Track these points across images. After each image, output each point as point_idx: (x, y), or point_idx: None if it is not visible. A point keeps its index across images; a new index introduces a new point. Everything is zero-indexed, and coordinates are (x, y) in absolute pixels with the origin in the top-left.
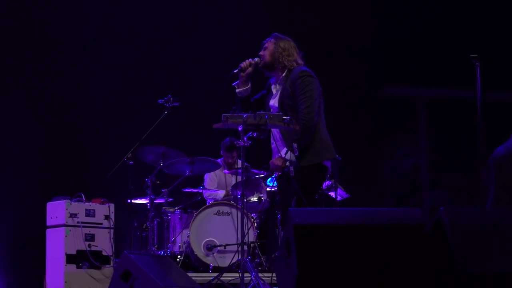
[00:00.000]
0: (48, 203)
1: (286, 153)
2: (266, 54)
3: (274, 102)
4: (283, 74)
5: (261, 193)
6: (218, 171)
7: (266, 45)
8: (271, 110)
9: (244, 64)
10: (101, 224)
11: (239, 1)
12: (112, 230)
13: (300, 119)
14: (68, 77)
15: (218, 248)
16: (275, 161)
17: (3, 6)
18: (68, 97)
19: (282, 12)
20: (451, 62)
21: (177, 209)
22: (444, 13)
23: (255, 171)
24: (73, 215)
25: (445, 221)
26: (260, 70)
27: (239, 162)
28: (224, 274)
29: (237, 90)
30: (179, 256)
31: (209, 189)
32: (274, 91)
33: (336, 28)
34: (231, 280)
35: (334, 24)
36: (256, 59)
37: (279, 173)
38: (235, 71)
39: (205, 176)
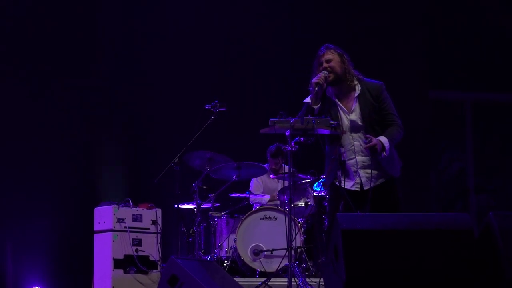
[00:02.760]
0: (95, 208)
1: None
2: (335, 66)
3: (355, 117)
4: (358, 88)
5: (308, 198)
6: (264, 176)
7: (329, 56)
8: (350, 124)
9: (321, 79)
10: (148, 229)
11: (286, 4)
12: (159, 235)
13: (400, 126)
14: (117, 82)
15: (265, 253)
16: (377, 142)
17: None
18: (116, 102)
19: (326, 14)
20: (498, 65)
21: (224, 214)
22: (492, 15)
23: (302, 176)
24: (120, 220)
25: (495, 226)
26: (325, 87)
27: (286, 167)
28: (271, 279)
29: (315, 107)
30: (225, 261)
31: (255, 194)
32: (343, 105)
33: (382, 32)
34: (278, 285)
35: (379, 28)
36: (325, 73)
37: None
38: (315, 89)
39: (251, 181)
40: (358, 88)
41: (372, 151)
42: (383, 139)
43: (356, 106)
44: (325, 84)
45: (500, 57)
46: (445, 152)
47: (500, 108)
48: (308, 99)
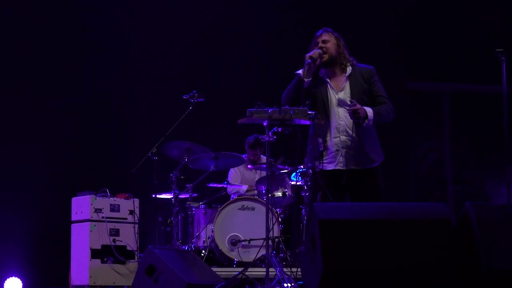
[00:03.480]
0: (73, 198)
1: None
2: (330, 47)
3: (344, 96)
4: (349, 69)
5: (286, 188)
6: (242, 167)
7: (326, 38)
8: (338, 102)
9: (315, 54)
10: (126, 219)
11: None
12: (136, 225)
13: (391, 108)
14: (94, 73)
15: (243, 243)
16: (361, 109)
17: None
18: (94, 92)
19: (306, 6)
20: (476, 56)
21: (202, 204)
22: (470, 7)
23: (280, 166)
24: (98, 210)
25: (472, 216)
26: (319, 63)
27: (263, 157)
28: (249, 269)
29: (306, 80)
30: (203, 251)
31: (232, 184)
32: (333, 84)
33: (360, 24)
34: (256, 275)
35: (356, 20)
36: (319, 51)
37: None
38: (307, 62)
39: (229, 171)
40: (349, 69)
41: (355, 116)
42: (368, 108)
43: (346, 85)
44: (318, 59)
45: (478, 49)
46: (423, 142)
47: (478, 99)
48: (299, 71)
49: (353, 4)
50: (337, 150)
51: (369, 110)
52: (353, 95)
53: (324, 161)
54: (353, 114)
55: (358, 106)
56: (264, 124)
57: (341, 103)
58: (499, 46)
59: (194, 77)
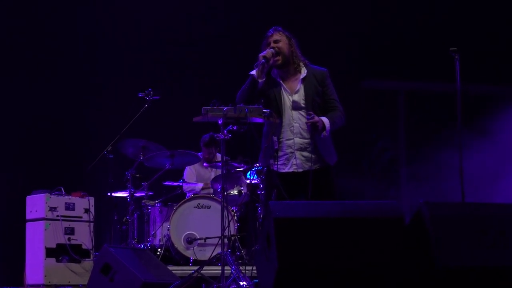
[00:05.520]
0: (27, 196)
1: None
2: (283, 46)
3: (298, 98)
4: (304, 71)
5: (241, 186)
6: (197, 165)
7: (277, 37)
8: (292, 105)
9: (268, 54)
10: (81, 217)
11: None
12: (92, 224)
13: (342, 112)
14: (47, 70)
15: (199, 241)
16: (319, 120)
17: None
18: (47, 89)
19: (257, 5)
20: (431, 55)
21: (157, 203)
22: (424, 5)
23: (235, 164)
24: (52, 209)
25: (425, 214)
26: (272, 63)
27: (218, 155)
28: (205, 268)
29: (260, 80)
30: (159, 250)
31: (188, 182)
32: (286, 86)
33: (314, 20)
34: (211, 273)
35: (312, 18)
36: (273, 51)
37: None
38: (260, 62)
39: (185, 169)
40: (304, 71)
41: (313, 128)
42: (325, 119)
43: (300, 87)
44: (272, 59)
45: (432, 46)
46: (378, 141)
47: (433, 98)
48: (253, 72)
49: (308, 2)
50: (291, 153)
51: (326, 121)
52: (307, 97)
53: (278, 162)
54: (312, 126)
55: (316, 118)
56: (219, 122)
57: (295, 105)
58: (452, 44)
59: (150, 75)
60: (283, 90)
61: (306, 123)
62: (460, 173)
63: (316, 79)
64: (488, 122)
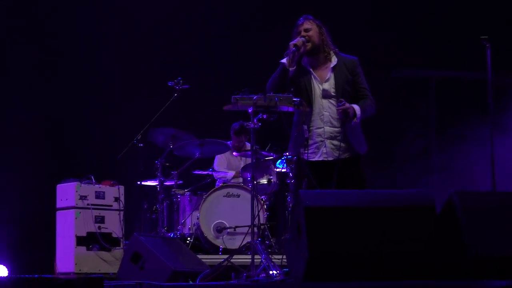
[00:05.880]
0: (58, 185)
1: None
2: (313, 35)
3: (328, 87)
4: (334, 60)
5: (271, 175)
6: (227, 153)
7: (308, 26)
8: (322, 93)
9: (299, 42)
10: (111, 206)
11: None
12: (122, 212)
13: (372, 101)
14: (78, 59)
15: (228, 230)
16: (350, 107)
17: None
18: (78, 78)
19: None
20: (462, 43)
21: (187, 191)
22: None
23: (265, 153)
24: (83, 197)
25: (456, 203)
26: (303, 51)
27: (248, 144)
28: (234, 256)
29: (291, 69)
30: (188, 238)
31: (218, 171)
32: (317, 75)
33: (343, 12)
34: (241, 262)
35: (341, 8)
36: (303, 39)
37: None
38: (291, 50)
39: (215, 157)
40: (334, 60)
41: (344, 114)
42: (355, 106)
43: (330, 76)
44: (302, 48)
45: (462, 35)
46: (410, 129)
47: (464, 85)
48: (284, 60)
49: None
50: (321, 141)
51: (357, 108)
52: (337, 86)
53: (308, 150)
54: (343, 113)
55: (347, 105)
56: (249, 111)
57: (325, 94)
58: (483, 33)
59: (180, 64)
60: (313, 79)
61: (337, 109)
62: (492, 162)
63: (346, 67)
64: None
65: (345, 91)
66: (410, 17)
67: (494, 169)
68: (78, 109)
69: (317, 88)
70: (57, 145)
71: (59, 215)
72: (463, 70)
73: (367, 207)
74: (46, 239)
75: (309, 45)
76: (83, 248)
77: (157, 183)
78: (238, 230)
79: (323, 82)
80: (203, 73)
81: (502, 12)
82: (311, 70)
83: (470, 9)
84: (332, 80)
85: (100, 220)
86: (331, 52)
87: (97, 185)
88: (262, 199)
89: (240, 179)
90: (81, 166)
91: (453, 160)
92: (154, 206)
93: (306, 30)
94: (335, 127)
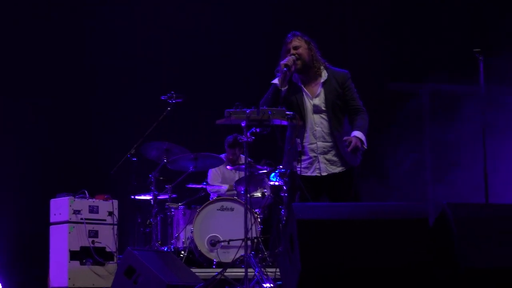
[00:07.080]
0: (51, 199)
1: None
2: (303, 53)
3: (319, 102)
4: (325, 74)
5: (265, 189)
6: (221, 167)
7: (296, 43)
8: (313, 109)
9: (289, 61)
10: (105, 220)
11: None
12: (115, 227)
13: (365, 113)
14: (70, 74)
15: (222, 243)
16: (357, 141)
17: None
18: (71, 93)
19: (283, 8)
20: (455, 56)
21: (181, 205)
22: (448, 8)
23: (259, 166)
24: (76, 212)
25: (449, 215)
26: (293, 70)
27: (242, 157)
28: (228, 270)
29: (283, 89)
30: (182, 252)
31: (212, 184)
32: (307, 91)
33: (340, 23)
34: (235, 275)
35: (337, 20)
36: (294, 57)
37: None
38: (282, 70)
39: (208, 171)
40: (324, 74)
41: (355, 150)
42: (358, 134)
43: (321, 91)
44: (293, 67)
45: (455, 49)
46: (403, 143)
47: (457, 98)
48: (275, 81)
49: (336, 4)
50: (315, 157)
51: (361, 135)
52: (327, 101)
53: (301, 165)
54: (353, 151)
55: (353, 140)
56: (242, 124)
57: (316, 109)
58: (475, 46)
59: (173, 78)
60: (304, 95)
61: (347, 151)
62: (485, 174)
63: (337, 81)
64: None
65: (335, 106)
66: (404, 30)
67: (487, 181)
68: (71, 124)
69: (308, 103)
70: (50, 160)
71: (53, 229)
72: (457, 84)
73: (360, 220)
74: (40, 254)
75: (299, 63)
76: (77, 263)
77: (151, 197)
78: (232, 243)
79: (314, 98)
80: (196, 87)
81: (495, 25)
82: (302, 86)
83: (464, 22)
84: (322, 95)
85: (93, 234)
86: (321, 67)
87: (90, 200)
88: (256, 213)
89: (234, 193)
90: (75, 180)
91: (447, 174)
92: (148, 220)
93: (295, 48)
94: (327, 141)
